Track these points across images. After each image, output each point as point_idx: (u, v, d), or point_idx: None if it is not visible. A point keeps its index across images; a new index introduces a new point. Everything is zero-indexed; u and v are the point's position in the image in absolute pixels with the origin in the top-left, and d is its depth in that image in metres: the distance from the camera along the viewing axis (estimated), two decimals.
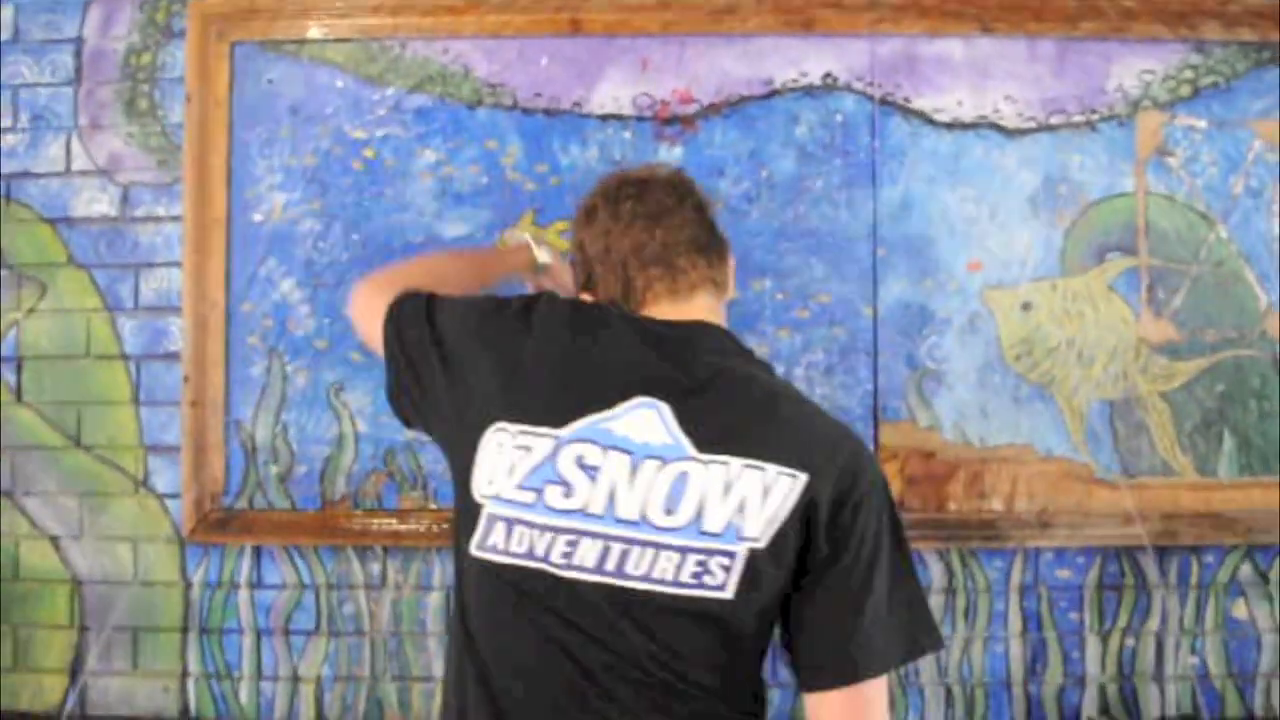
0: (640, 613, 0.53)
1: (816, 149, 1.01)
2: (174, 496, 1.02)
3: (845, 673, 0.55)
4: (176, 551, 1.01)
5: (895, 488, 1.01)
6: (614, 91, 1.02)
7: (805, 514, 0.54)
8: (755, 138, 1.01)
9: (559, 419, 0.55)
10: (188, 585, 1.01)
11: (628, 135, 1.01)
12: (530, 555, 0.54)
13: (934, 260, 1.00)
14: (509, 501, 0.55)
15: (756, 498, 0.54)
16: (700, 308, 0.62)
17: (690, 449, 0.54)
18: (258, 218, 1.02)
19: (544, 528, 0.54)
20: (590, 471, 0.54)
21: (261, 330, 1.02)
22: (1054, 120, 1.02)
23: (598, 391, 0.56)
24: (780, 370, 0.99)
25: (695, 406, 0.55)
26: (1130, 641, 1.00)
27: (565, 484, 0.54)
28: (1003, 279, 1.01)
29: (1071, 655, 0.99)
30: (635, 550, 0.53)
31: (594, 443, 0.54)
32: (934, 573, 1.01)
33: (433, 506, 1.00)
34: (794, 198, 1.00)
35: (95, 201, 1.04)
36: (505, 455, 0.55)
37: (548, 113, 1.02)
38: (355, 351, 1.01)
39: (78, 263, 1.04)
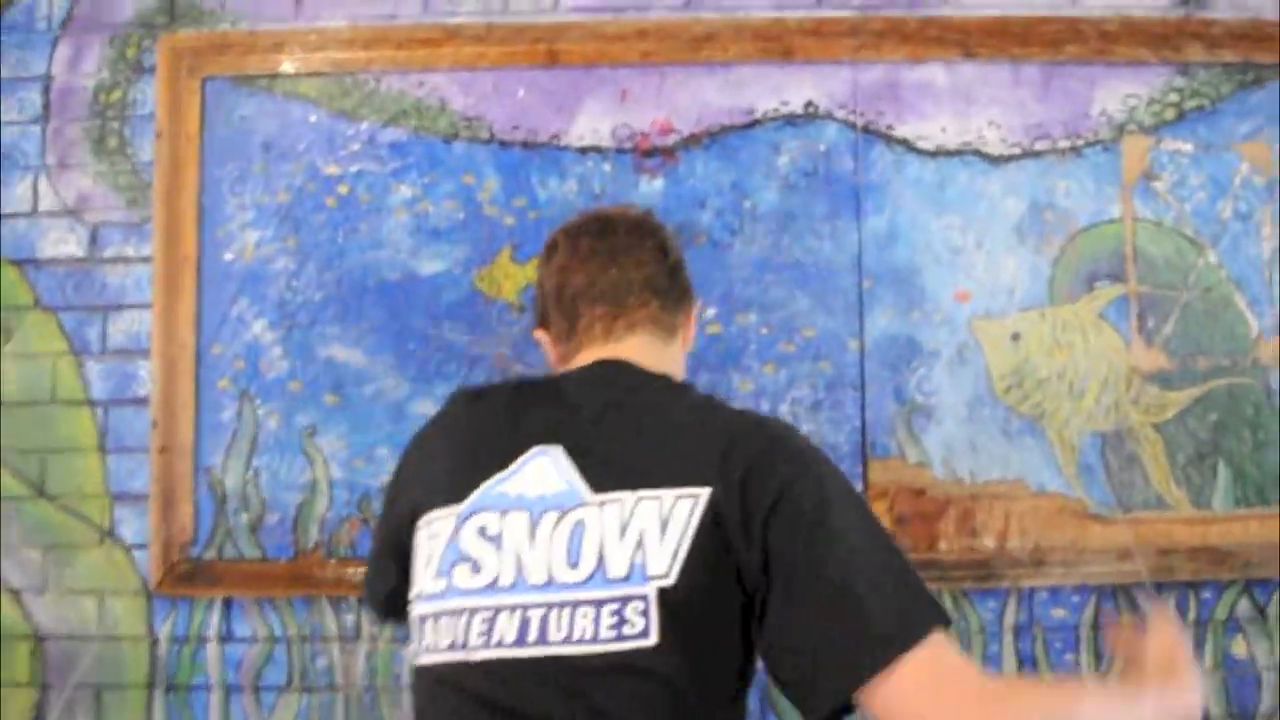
0: (568, 680, 0.50)
1: (799, 179, 1.01)
2: (141, 547, 1.00)
3: (870, 658, 0.45)
4: (143, 604, 0.99)
5: (886, 524, 0.97)
6: (593, 123, 1.02)
7: (716, 535, 0.50)
8: (737, 168, 1.01)
9: (458, 494, 0.54)
10: (154, 640, 0.99)
11: (607, 168, 1.01)
12: (452, 646, 0.52)
13: (920, 291, 1.00)
14: (430, 596, 0.53)
15: (655, 530, 0.51)
16: (631, 348, 0.60)
17: (585, 492, 0.52)
18: (229, 257, 1.02)
19: (458, 612, 0.52)
20: (494, 541, 0.52)
21: (232, 372, 1.01)
22: (1039, 146, 1.02)
23: (494, 455, 0.55)
24: (765, 407, 0.99)
25: (588, 445, 0.54)
26: None
27: (471, 560, 0.53)
28: (990, 309, 1.01)
29: None
30: (553, 613, 0.51)
31: (492, 509, 0.53)
32: None
33: None
34: (777, 229, 1.00)
35: (63, 242, 1.03)
36: (422, 548, 0.54)
37: (525, 145, 1.02)
38: (329, 393, 1.00)
39: (44, 305, 1.03)
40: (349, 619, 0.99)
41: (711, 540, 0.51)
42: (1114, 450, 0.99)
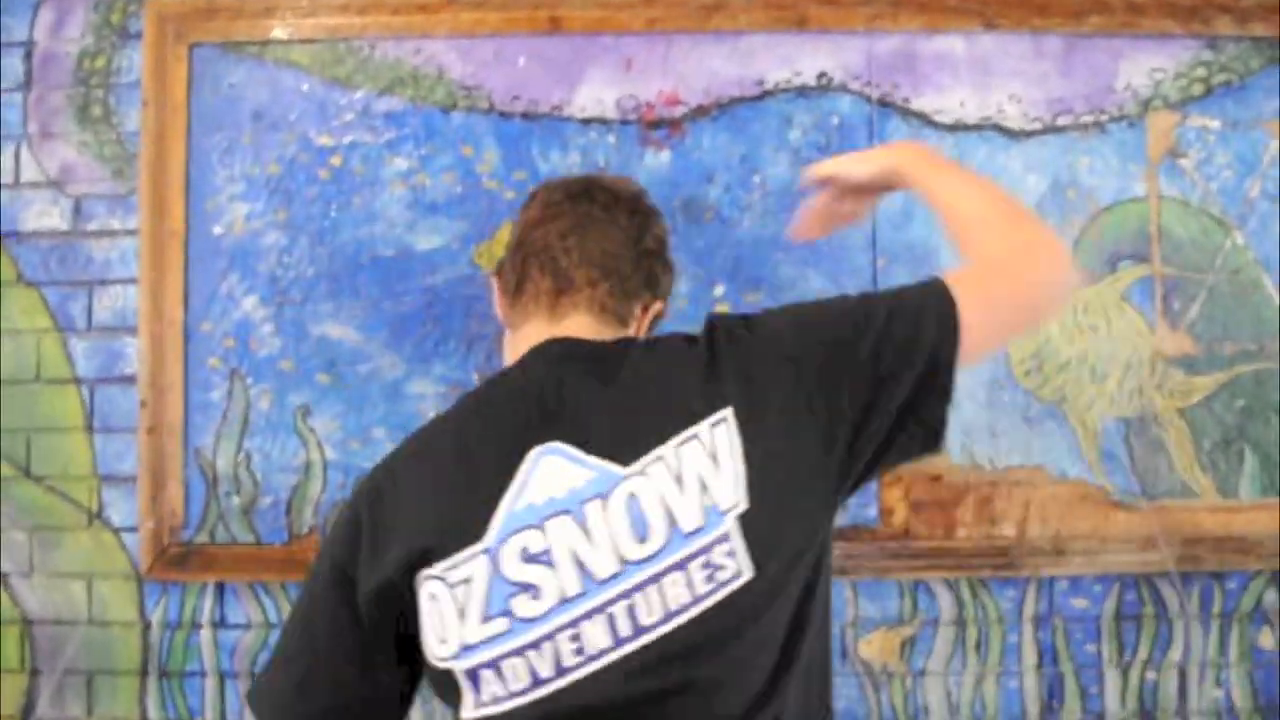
0: (678, 657, 0.48)
1: (811, 152, 0.98)
2: (130, 530, 0.98)
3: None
4: (133, 589, 0.98)
5: (901, 514, 0.98)
6: (596, 93, 0.99)
7: (765, 431, 0.50)
8: (746, 141, 0.99)
9: (474, 530, 0.50)
10: (146, 625, 0.98)
11: (611, 139, 0.99)
12: (538, 683, 0.49)
13: (937, 270, 0.96)
14: (478, 645, 0.49)
15: (709, 467, 0.50)
16: (574, 328, 0.57)
17: (615, 469, 0.50)
18: (218, 230, 0.99)
19: (535, 644, 0.49)
20: (543, 558, 0.49)
21: (222, 351, 0.99)
22: (1061, 121, 1.00)
23: (491, 475, 0.51)
24: None
25: (585, 425, 0.51)
26: (1151, 674, 0.97)
27: (527, 588, 0.50)
28: None
29: (1090, 690, 0.97)
30: (638, 597, 0.48)
31: (526, 527, 0.50)
32: (943, 604, 0.98)
33: None
34: (788, 204, 0.98)
35: (45, 215, 1.01)
36: (446, 602, 0.50)
37: (526, 116, 0.99)
38: (323, 373, 0.98)
39: (27, 280, 1.00)
40: None
41: (765, 440, 0.50)
42: (1138, 436, 0.98)
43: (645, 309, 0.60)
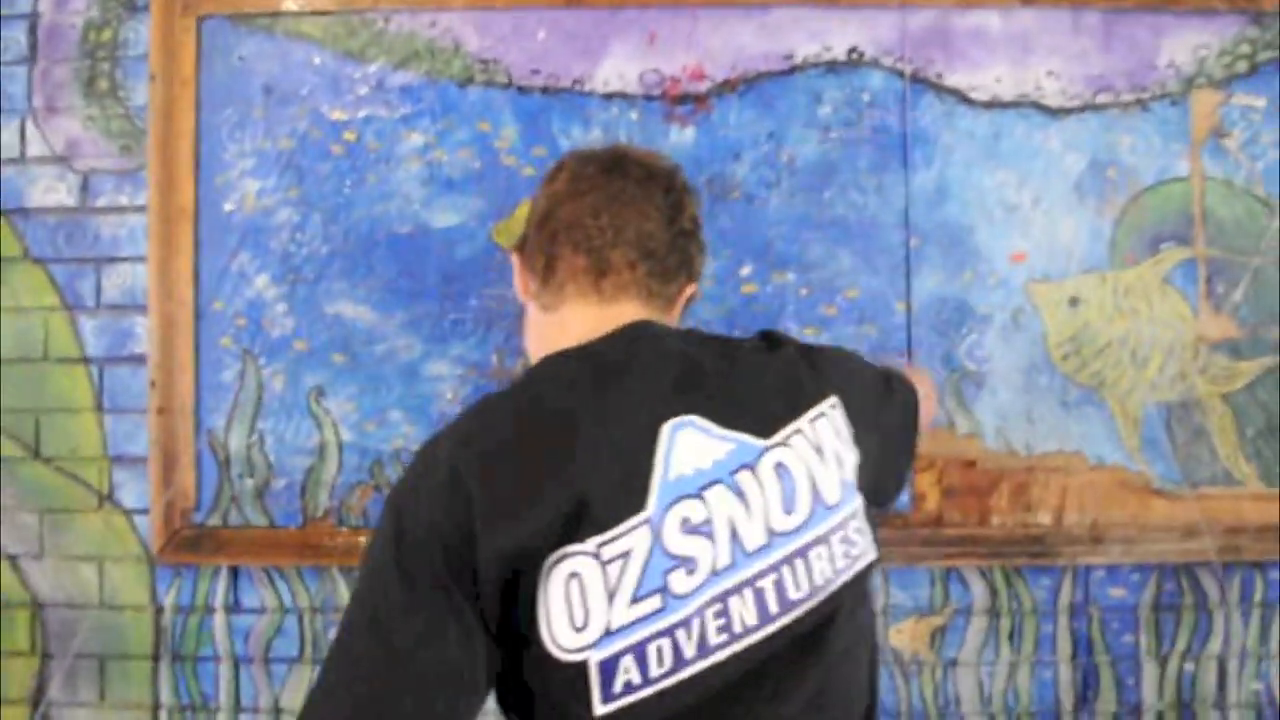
0: (816, 636, 0.48)
1: (842, 130, 0.98)
2: (142, 512, 0.99)
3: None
4: (145, 572, 0.98)
5: (933, 500, 0.98)
6: (619, 67, 0.98)
7: (860, 426, 0.55)
8: (774, 118, 0.98)
9: (633, 501, 0.48)
10: (158, 609, 0.98)
11: (634, 116, 0.98)
12: (681, 664, 0.47)
13: (973, 251, 0.97)
14: (628, 627, 0.47)
15: (838, 444, 0.52)
16: (631, 314, 0.56)
17: (755, 440, 0.50)
18: (229, 207, 0.99)
19: (684, 622, 0.47)
20: (703, 529, 0.48)
21: (234, 330, 0.98)
22: (1101, 99, 0.98)
23: (635, 447, 0.49)
24: None
25: (714, 399, 0.51)
26: (1190, 666, 0.97)
27: (683, 561, 0.48)
28: (1048, 271, 0.98)
29: (1126, 681, 0.97)
30: (785, 571, 0.48)
31: (687, 496, 0.48)
32: (976, 592, 0.98)
33: None
34: (818, 183, 0.97)
35: (52, 191, 1.01)
36: (593, 582, 0.47)
37: (546, 91, 0.98)
38: (337, 353, 0.98)
39: (34, 257, 1.00)
40: None
41: (864, 434, 0.54)
42: (1179, 422, 0.97)
43: (681, 291, 0.59)
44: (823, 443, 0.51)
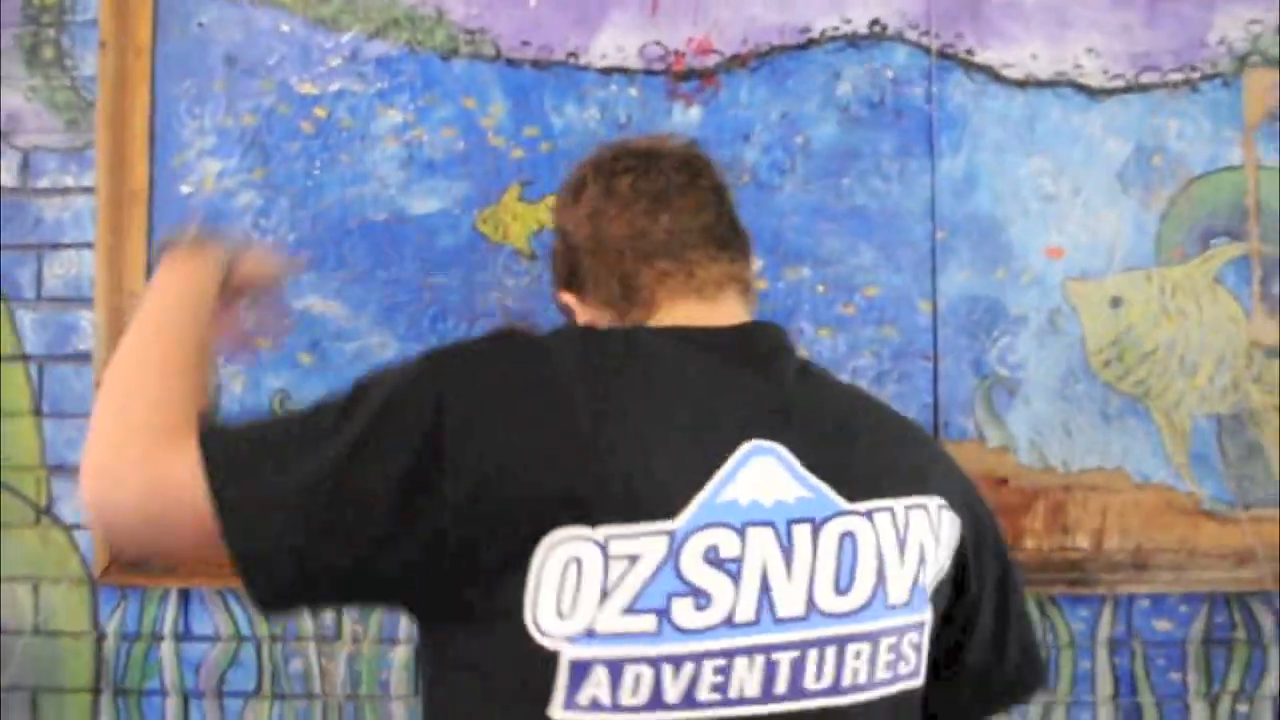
0: None
1: (862, 110, 0.93)
2: (83, 528, 0.93)
3: (1032, 679, 0.57)
4: (86, 595, 0.93)
5: None
6: (618, 39, 0.94)
7: (960, 555, 0.51)
8: (788, 97, 0.94)
9: (664, 504, 0.44)
10: (100, 636, 0.93)
11: (634, 93, 0.94)
12: (656, 704, 0.43)
13: (1005, 246, 0.93)
14: (611, 636, 0.43)
15: (931, 544, 0.48)
16: (736, 313, 0.54)
17: (836, 498, 0.46)
18: (186, 190, 0.95)
19: (676, 660, 0.43)
20: (729, 566, 0.44)
21: None
22: (1146, 79, 0.94)
23: (694, 450, 0.45)
24: None
25: (812, 437, 0.47)
26: (1243, 707, 0.93)
27: (697, 593, 0.43)
28: (1087, 269, 0.93)
29: None
30: (811, 655, 0.43)
31: (725, 525, 0.44)
32: None
33: None
34: (835, 169, 0.93)
35: None
36: (590, 573, 0.43)
37: (537, 65, 0.94)
38: (304, 352, 0.93)
39: None
40: (327, 616, 0.93)
41: (956, 562, 0.51)
42: (1231, 436, 0.92)
43: (753, 267, 0.58)
44: (908, 536, 0.47)
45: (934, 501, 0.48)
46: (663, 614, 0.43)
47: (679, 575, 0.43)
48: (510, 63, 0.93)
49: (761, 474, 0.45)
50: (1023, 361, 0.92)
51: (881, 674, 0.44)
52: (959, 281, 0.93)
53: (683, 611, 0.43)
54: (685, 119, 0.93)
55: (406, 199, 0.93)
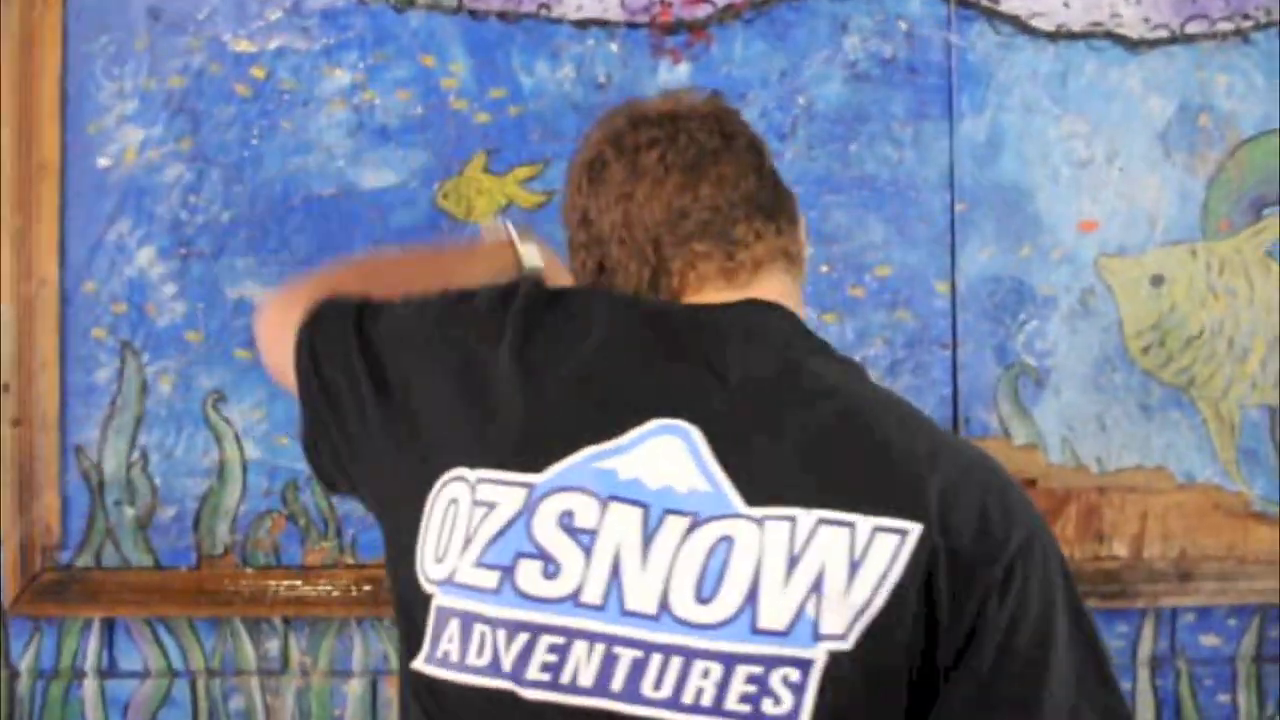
0: None
1: (872, 67, 0.90)
2: None
3: None
4: None
5: None
6: None
7: (924, 588, 0.42)
8: (790, 52, 0.90)
9: (535, 458, 0.45)
10: (12, 673, 0.89)
11: (614, 48, 0.90)
12: (494, 669, 0.43)
13: (1032, 218, 0.90)
14: (464, 587, 0.44)
15: (841, 571, 0.42)
16: (768, 293, 0.51)
17: (736, 499, 0.43)
18: (104, 162, 0.90)
19: (515, 626, 0.43)
20: (582, 537, 0.43)
21: (110, 319, 0.90)
22: (1192, 29, 0.90)
23: (595, 414, 0.45)
24: None
25: (741, 429, 0.45)
26: None
27: (545, 557, 0.43)
28: (1125, 244, 0.90)
29: None
30: (654, 659, 0.42)
31: (586, 491, 0.44)
32: None
33: (350, 561, 0.89)
34: (842, 133, 0.90)
35: None
36: (461, 517, 0.45)
37: (504, 17, 0.90)
38: (242, 348, 0.90)
39: None
40: (272, 646, 0.89)
41: (918, 597, 0.41)
42: None
43: (804, 232, 0.55)
44: (805, 554, 0.42)
45: (867, 522, 0.41)
46: (507, 572, 0.43)
47: (529, 534, 0.43)
48: (473, 15, 0.90)
49: (661, 454, 0.43)
50: (1052, 348, 0.90)
51: (734, 704, 0.41)
52: (981, 259, 0.90)
53: (528, 575, 0.43)
54: (672, 78, 0.90)
55: (356, 171, 0.90)
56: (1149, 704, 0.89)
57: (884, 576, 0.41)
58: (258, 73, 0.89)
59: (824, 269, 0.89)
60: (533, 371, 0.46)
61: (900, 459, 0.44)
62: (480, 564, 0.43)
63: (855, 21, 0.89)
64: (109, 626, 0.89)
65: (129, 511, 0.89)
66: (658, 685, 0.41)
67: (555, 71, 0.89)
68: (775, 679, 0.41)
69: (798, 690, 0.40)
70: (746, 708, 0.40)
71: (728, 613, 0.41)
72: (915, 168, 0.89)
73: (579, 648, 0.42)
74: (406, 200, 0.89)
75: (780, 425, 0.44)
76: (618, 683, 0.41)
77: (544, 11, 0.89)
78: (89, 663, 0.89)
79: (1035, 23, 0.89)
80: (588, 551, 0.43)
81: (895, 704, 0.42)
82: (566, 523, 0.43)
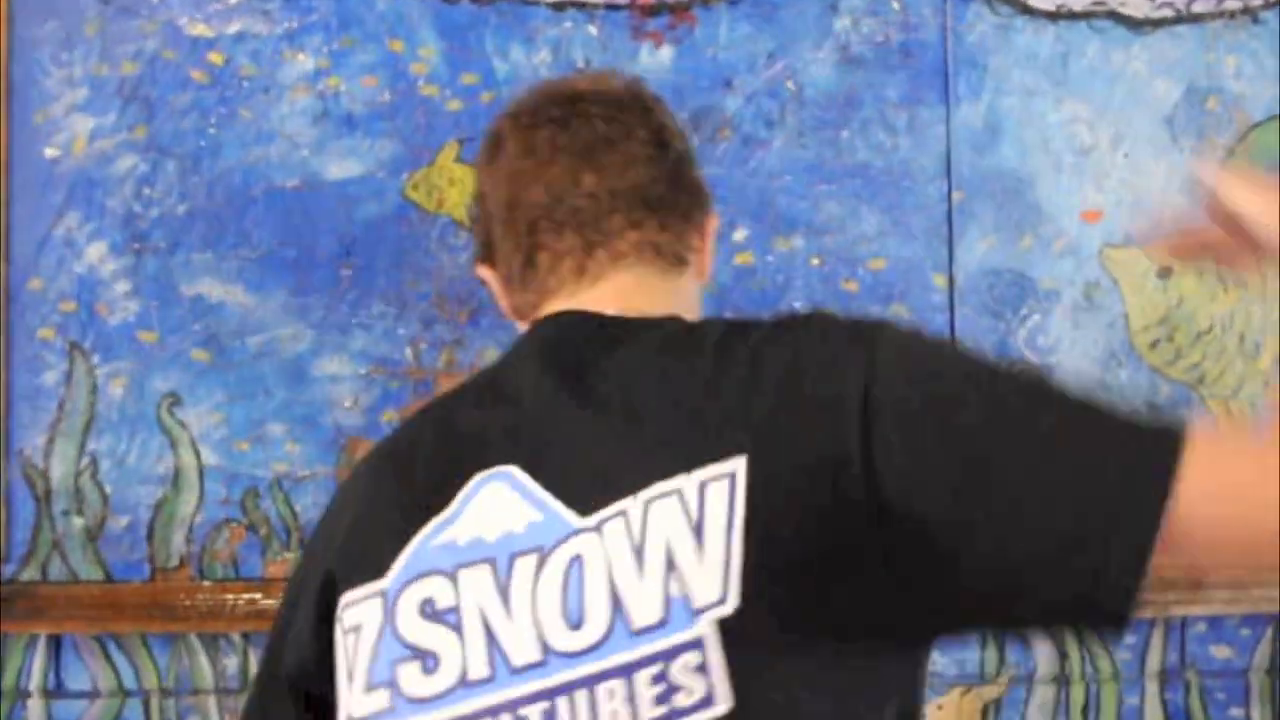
0: None
1: (865, 50, 0.89)
2: None
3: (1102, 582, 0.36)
4: None
5: None
6: None
7: (788, 507, 0.40)
8: (778, 34, 0.89)
9: (378, 561, 0.46)
10: None
11: (593, 30, 0.89)
12: None
13: (1033, 208, 0.90)
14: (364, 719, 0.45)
15: (686, 539, 0.41)
16: (615, 290, 0.51)
17: (568, 515, 0.43)
18: (51, 153, 0.89)
19: None
20: (448, 617, 0.43)
21: (58, 318, 0.89)
22: (1198, 8, 0.90)
23: (424, 495, 0.46)
24: None
25: (548, 447, 0.45)
26: None
27: (421, 654, 0.43)
28: (1131, 234, 0.90)
29: None
30: (561, 703, 0.41)
31: (435, 571, 0.44)
32: (1039, 655, 0.90)
33: None
34: (834, 120, 0.89)
35: None
36: (341, 653, 0.46)
37: None
38: (199, 348, 0.88)
39: None
40: (230, 663, 0.88)
41: (786, 517, 0.40)
42: None
43: (705, 232, 0.55)
44: (645, 540, 0.41)
45: (697, 478, 0.40)
46: (392, 686, 0.43)
47: (398, 638, 0.43)
48: None
49: (489, 504, 0.44)
50: (1055, 344, 0.89)
51: (650, 712, 0.40)
52: (979, 251, 0.89)
53: (411, 678, 0.43)
54: (655, 61, 0.89)
55: (321, 161, 0.89)
56: (1159, 716, 0.89)
57: (730, 523, 0.40)
58: (215, 58, 0.88)
59: (815, 262, 0.89)
60: (370, 490, 0.50)
61: (710, 390, 0.42)
62: (369, 688, 0.43)
63: (846, 2, 0.89)
64: (56, 644, 0.87)
65: (78, 521, 0.87)
66: None
67: (531, 56, 0.88)
68: (676, 671, 0.40)
69: (702, 671, 0.39)
70: (663, 709, 0.40)
71: (602, 628, 0.40)
72: (910, 155, 0.89)
73: None
74: (374, 192, 0.88)
75: (577, 426, 0.44)
76: None
77: None
78: (34, 682, 0.87)
79: (1035, 3, 0.89)
80: (458, 629, 0.42)
81: (831, 619, 0.40)
82: (429, 610, 0.43)
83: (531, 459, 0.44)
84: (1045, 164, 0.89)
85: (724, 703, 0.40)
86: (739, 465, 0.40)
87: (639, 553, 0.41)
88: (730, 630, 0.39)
